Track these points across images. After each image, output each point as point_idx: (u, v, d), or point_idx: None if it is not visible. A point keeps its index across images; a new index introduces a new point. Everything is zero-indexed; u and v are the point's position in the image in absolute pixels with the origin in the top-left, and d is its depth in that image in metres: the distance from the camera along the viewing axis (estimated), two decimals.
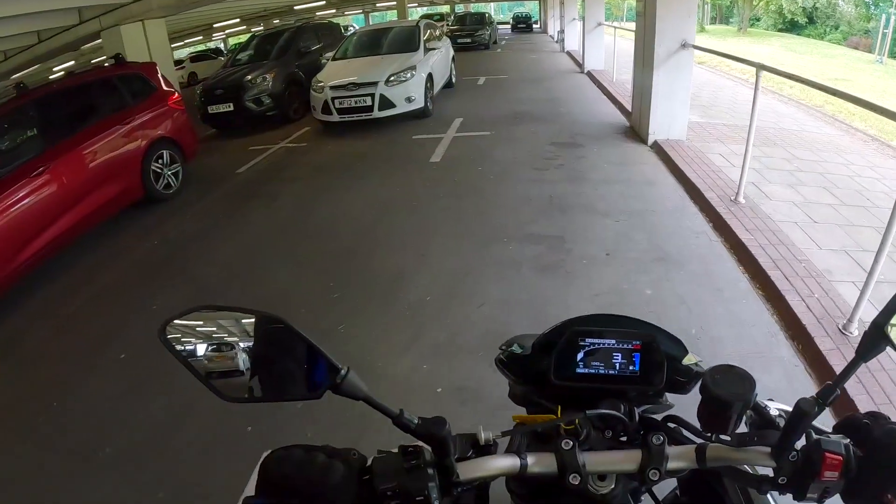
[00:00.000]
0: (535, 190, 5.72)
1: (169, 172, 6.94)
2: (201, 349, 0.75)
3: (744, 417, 0.78)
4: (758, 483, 0.76)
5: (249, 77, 10.21)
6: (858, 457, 0.70)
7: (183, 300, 4.07)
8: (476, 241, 4.70)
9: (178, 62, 23.24)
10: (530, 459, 0.80)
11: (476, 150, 7.49)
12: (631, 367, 0.92)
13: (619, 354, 0.92)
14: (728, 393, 0.74)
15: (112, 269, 5.16)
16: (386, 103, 8.97)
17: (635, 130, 7.46)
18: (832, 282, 3.55)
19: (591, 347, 0.93)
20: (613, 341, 0.92)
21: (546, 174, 6.24)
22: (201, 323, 0.76)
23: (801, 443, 0.72)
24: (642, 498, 0.94)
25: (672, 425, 0.88)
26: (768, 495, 0.96)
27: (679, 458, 0.79)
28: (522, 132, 8.15)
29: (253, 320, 0.76)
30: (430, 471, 0.73)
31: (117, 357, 3.67)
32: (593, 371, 0.93)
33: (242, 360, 0.75)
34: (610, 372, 0.92)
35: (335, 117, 9.17)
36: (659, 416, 0.92)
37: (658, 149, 6.63)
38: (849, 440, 0.71)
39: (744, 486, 0.95)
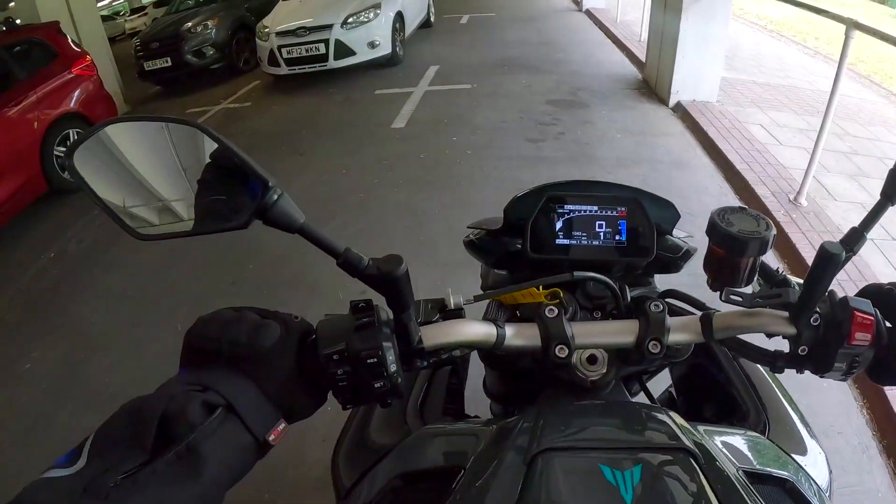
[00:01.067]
0: (529, 175, 4.29)
1: None
2: (112, 176, 0.59)
3: (755, 277, 0.69)
4: (772, 359, 0.68)
5: (189, 25, 8.71)
6: (888, 327, 0.62)
7: (59, 359, 3.14)
8: (441, 266, 3.25)
9: (138, 9, 21.12)
10: (509, 330, 0.71)
11: (452, 111, 5.97)
12: (617, 237, 0.87)
13: (604, 222, 0.87)
14: (742, 231, 0.64)
15: None
16: (343, 50, 7.35)
17: (651, 87, 5.94)
18: None
19: (572, 215, 0.87)
20: (595, 208, 0.87)
21: (543, 149, 4.78)
22: (114, 144, 0.59)
23: (818, 309, 0.62)
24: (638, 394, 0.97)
25: (671, 300, 0.80)
26: (773, 385, 0.95)
27: (682, 329, 0.71)
28: (511, 85, 6.61)
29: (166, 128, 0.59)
30: (386, 330, 0.61)
31: None
32: (575, 242, 0.87)
33: (157, 186, 0.59)
34: (594, 242, 0.87)
35: (283, 70, 7.59)
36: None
37: (684, 113, 5.18)
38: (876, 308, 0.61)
39: (751, 373, 0.96)
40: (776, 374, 0.88)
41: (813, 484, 0.77)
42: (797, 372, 0.68)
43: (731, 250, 0.66)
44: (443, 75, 7.35)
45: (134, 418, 0.49)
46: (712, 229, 0.67)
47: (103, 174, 0.58)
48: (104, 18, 17.22)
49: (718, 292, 0.69)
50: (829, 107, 3.26)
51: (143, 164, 0.60)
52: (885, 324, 0.62)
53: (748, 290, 0.70)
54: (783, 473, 0.74)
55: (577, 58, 7.56)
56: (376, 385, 0.60)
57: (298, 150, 5.52)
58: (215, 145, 0.57)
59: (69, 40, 6.06)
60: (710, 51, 5.17)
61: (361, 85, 7.36)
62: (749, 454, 0.77)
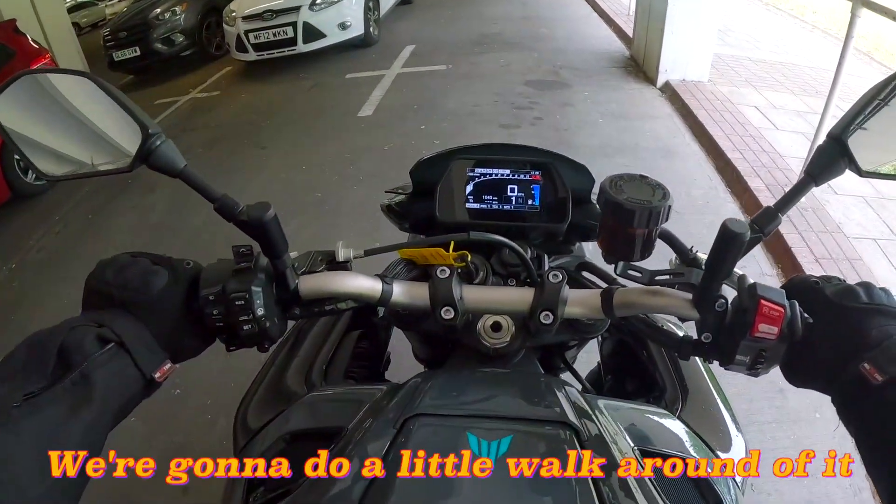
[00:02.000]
0: None
1: None
2: (24, 123, 0.64)
3: (651, 251, 0.64)
4: (677, 344, 0.65)
5: (157, 12, 8.24)
6: (807, 323, 0.56)
7: None
8: None
9: None
10: (397, 287, 0.70)
11: (424, 95, 5.58)
12: (530, 202, 0.85)
13: (516, 187, 0.85)
14: (630, 199, 0.59)
15: None
16: (313, 33, 6.90)
17: (639, 64, 5.52)
18: None
19: (482, 179, 0.86)
20: (507, 171, 0.85)
21: (516, 136, 4.37)
22: (28, 95, 0.63)
23: (732, 294, 0.60)
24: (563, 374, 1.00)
25: (586, 274, 0.83)
26: (699, 365, 0.93)
27: (580, 303, 0.69)
28: (489, 64, 6.19)
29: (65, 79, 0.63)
30: (261, 275, 0.63)
31: None
32: (485, 206, 0.87)
33: (63, 133, 0.65)
34: (505, 207, 0.86)
35: (252, 55, 7.16)
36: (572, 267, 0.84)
37: (672, 94, 4.77)
38: (794, 301, 0.56)
39: (669, 353, 0.93)
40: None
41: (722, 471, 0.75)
42: (705, 360, 0.65)
43: (619, 220, 0.61)
44: (418, 55, 6.93)
45: (36, 348, 0.52)
46: (600, 196, 0.62)
47: (18, 121, 0.62)
48: (83, 5, 16.77)
49: (613, 266, 0.66)
50: (833, 90, 2.90)
51: (50, 113, 0.63)
52: (802, 319, 0.56)
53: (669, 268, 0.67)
54: (687, 456, 0.71)
55: (562, 34, 7.09)
56: (245, 327, 0.61)
57: (261, 144, 5.16)
58: (107, 95, 0.60)
59: (28, 38, 5.69)
60: (702, 25, 4.74)
61: (333, 69, 6.93)
62: (653, 434, 0.75)
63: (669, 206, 0.60)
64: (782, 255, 2.84)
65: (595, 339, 1.03)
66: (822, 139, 2.24)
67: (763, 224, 0.61)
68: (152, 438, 2.30)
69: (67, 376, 0.51)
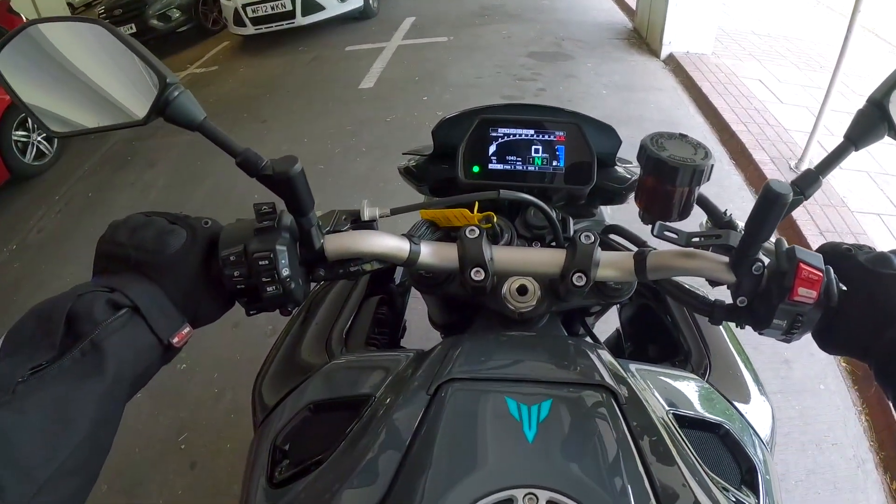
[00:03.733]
0: None
1: (39, 137, 4.93)
2: (31, 78, 0.60)
3: (690, 211, 0.63)
4: (709, 308, 0.63)
5: None
6: (840, 290, 0.55)
7: None
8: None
9: None
10: (425, 247, 0.69)
11: (425, 67, 5.52)
12: (555, 163, 0.84)
13: (541, 147, 0.84)
14: (673, 157, 0.58)
15: None
16: (311, 6, 6.77)
17: (642, 36, 5.46)
18: None
19: (506, 139, 0.84)
20: (532, 132, 0.83)
21: None
22: (34, 47, 0.60)
23: (767, 260, 0.58)
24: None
25: (614, 237, 0.80)
26: (722, 330, 0.91)
27: (613, 265, 0.67)
28: (491, 36, 6.11)
29: (76, 26, 0.60)
30: (286, 234, 0.60)
31: None
32: (509, 167, 0.85)
33: (72, 86, 0.60)
34: (529, 168, 0.84)
35: (250, 29, 7.02)
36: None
37: (676, 66, 4.73)
38: (829, 267, 0.55)
39: (699, 317, 0.91)
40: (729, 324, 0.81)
41: (751, 433, 0.74)
42: (737, 326, 0.63)
43: (661, 178, 0.60)
44: (419, 28, 6.83)
45: (43, 318, 0.49)
46: (641, 154, 0.61)
47: (24, 76, 0.59)
48: None
49: (650, 226, 0.63)
50: (838, 65, 2.86)
51: (58, 66, 0.60)
52: (837, 285, 0.55)
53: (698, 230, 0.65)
54: (718, 419, 0.71)
55: (563, 5, 6.98)
56: (269, 289, 0.59)
57: (261, 118, 5.11)
58: (120, 44, 0.57)
59: (23, 18, 5.55)
60: None
61: (333, 42, 6.84)
62: (684, 397, 0.74)
63: (712, 166, 0.59)
64: (787, 228, 2.83)
65: (614, 307, 1.03)
66: (827, 114, 2.23)
67: (804, 186, 0.59)
68: (158, 414, 2.32)
69: (77, 346, 0.48)
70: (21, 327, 0.49)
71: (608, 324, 1.23)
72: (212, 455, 2.12)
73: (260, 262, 0.58)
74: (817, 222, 2.76)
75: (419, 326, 1.29)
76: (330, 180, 3.82)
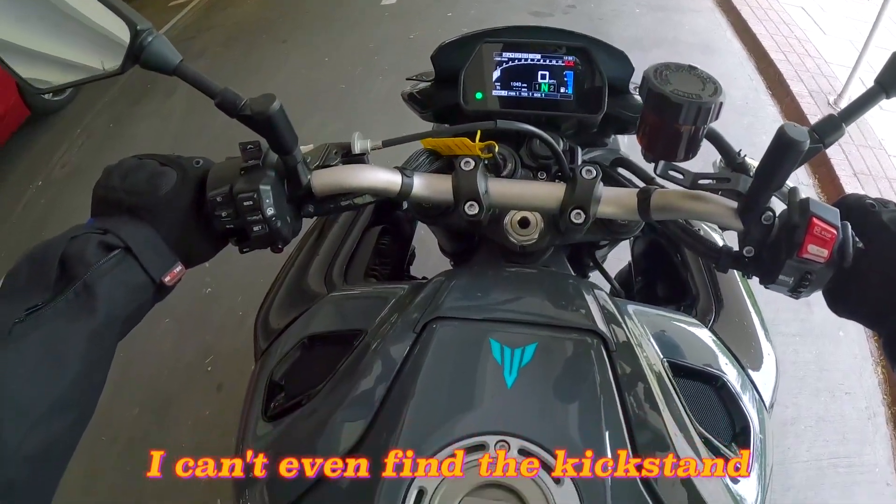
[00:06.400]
0: None
1: None
2: (10, 35, 0.59)
3: (697, 151, 0.56)
4: (716, 254, 0.60)
5: None
6: (859, 249, 0.51)
7: None
8: None
9: None
10: (418, 180, 0.66)
11: None
12: (563, 90, 0.79)
13: (548, 73, 0.79)
14: (676, 92, 0.51)
15: None
16: None
17: None
18: None
19: (511, 64, 0.79)
20: (538, 56, 0.78)
21: (548, 23, 4.04)
22: (12, 5, 0.59)
23: (780, 208, 0.54)
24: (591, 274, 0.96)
25: (621, 171, 0.75)
26: (735, 276, 0.87)
27: (614, 203, 0.64)
28: None
29: None
30: (271, 172, 0.60)
31: None
32: (514, 94, 0.81)
33: (47, 37, 0.60)
34: (535, 95, 0.80)
35: None
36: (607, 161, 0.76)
37: None
38: (847, 223, 0.51)
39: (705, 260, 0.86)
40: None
41: (751, 388, 0.72)
42: (744, 276, 0.60)
43: (663, 115, 0.53)
44: None
45: (37, 260, 0.50)
46: (642, 86, 0.55)
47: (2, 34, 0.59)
48: None
49: (653, 165, 0.60)
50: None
51: (30, 18, 0.59)
52: (854, 245, 0.51)
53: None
54: (717, 371, 0.69)
55: None
56: (255, 228, 0.59)
57: (281, 38, 4.90)
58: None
59: None
60: None
61: None
62: (684, 345, 0.72)
63: (721, 104, 0.53)
64: (819, 166, 2.70)
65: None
66: (871, 49, 2.07)
67: (824, 133, 0.54)
68: (184, 339, 2.35)
69: (70, 287, 0.49)
70: (17, 270, 0.50)
71: (622, 256, 1.18)
72: (237, 377, 2.19)
73: (245, 203, 0.58)
74: (852, 163, 2.64)
75: (433, 251, 1.28)
76: (351, 101, 3.71)
